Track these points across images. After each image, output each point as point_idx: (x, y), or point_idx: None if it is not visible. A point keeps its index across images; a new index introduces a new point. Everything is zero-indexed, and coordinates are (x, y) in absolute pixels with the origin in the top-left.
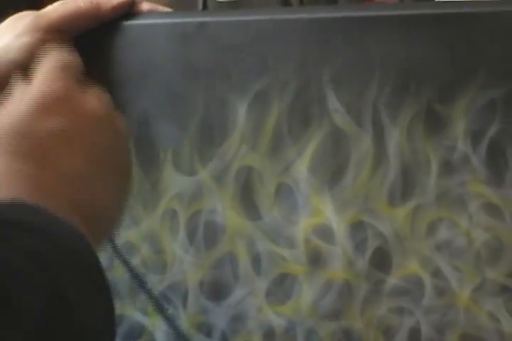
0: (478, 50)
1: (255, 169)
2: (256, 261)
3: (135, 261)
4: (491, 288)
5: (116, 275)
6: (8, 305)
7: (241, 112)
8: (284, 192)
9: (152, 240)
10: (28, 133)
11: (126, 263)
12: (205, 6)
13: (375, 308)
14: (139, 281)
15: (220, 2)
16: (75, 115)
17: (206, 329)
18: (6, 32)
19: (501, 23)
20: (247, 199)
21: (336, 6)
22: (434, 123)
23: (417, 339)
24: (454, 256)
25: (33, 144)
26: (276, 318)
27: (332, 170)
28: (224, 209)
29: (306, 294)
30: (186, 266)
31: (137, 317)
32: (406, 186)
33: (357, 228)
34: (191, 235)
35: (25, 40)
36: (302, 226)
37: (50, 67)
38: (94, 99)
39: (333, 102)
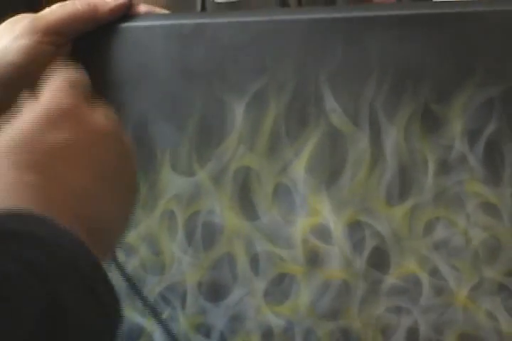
0: (476, 50)
1: (253, 169)
2: (254, 261)
3: (133, 262)
4: (488, 286)
5: (115, 276)
6: (5, 316)
7: (239, 112)
8: (282, 193)
9: (150, 241)
10: (35, 146)
11: (120, 269)
12: (203, 8)
13: (373, 308)
14: (133, 288)
15: (219, 3)
16: (82, 130)
17: (205, 329)
18: (4, 34)
19: (498, 23)
20: (245, 199)
21: (333, 7)
22: (431, 122)
23: (415, 339)
24: (451, 255)
25: (39, 157)
26: (274, 318)
27: (329, 170)
28: (222, 210)
29: (304, 294)
30: (185, 266)
31: (136, 318)
32: (403, 185)
33: (354, 228)
34: (189, 236)
35: (24, 42)
36: (300, 226)
37: (58, 84)
38: (101, 116)
39: (331, 102)
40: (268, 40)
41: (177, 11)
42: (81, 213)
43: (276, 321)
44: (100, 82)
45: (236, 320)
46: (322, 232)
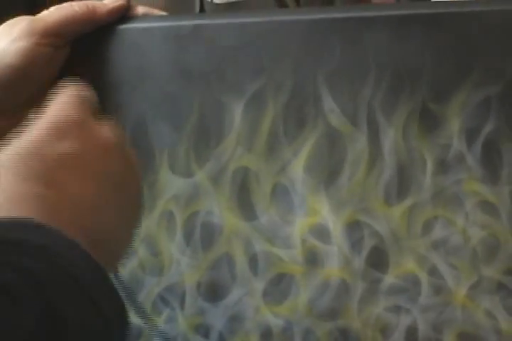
0: (473, 49)
1: (251, 170)
2: (253, 261)
3: (132, 263)
4: (487, 285)
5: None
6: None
7: (237, 113)
8: (281, 193)
9: (149, 242)
10: (42, 157)
11: (116, 277)
12: (202, 9)
13: (372, 307)
14: (129, 296)
15: (217, 4)
16: (89, 143)
17: (204, 330)
18: (2, 36)
19: (496, 22)
20: (243, 199)
21: (331, 7)
22: (429, 121)
23: (415, 338)
24: (450, 254)
25: (46, 168)
26: (273, 318)
27: (328, 169)
28: (221, 210)
29: (303, 294)
30: (183, 267)
31: (135, 319)
32: (402, 185)
33: (353, 227)
34: (188, 236)
35: (22, 44)
36: (298, 226)
37: (66, 98)
38: (107, 130)
39: (329, 102)
40: (266, 40)
41: (176, 12)
42: (85, 224)
43: (275, 321)
44: (99, 84)
45: (235, 320)
46: (321, 232)
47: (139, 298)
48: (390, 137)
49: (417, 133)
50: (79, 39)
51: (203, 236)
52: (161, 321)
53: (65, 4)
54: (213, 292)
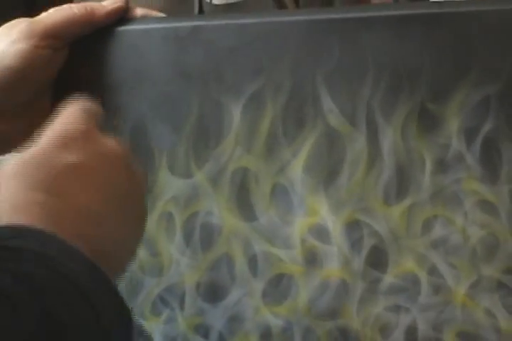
0: (471, 49)
1: (251, 170)
2: (252, 261)
3: (132, 264)
4: (487, 284)
5: None
6: None
7: (236, 114)
8: (280, 193)
9: (148, 243)
10: (46, 165)
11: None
12: (201, 10)
13: (372, 307)
14: None
15: (216, 5)
16: (93, 153)
17: (203, 330)
18: (1, 38)
19: (494, 22)
20: (242, 200)
21: (329, 8)
22: (428, 121)
23: (414, 337)
24: (449, 253)
25: (51, 178)
26: (273, 319)
27: (327, 170)
28: (220, 211)
29: (303, 294)
30: (183, 268)
31: (134, 320)
32: (401, 185)
33: (353, 227)
34: (188, 237)
35: (21, 46)
36: (298, 227)
37: (73, 111)
38: (113, 143)
39: (328, 102)
40: (264, 41)
41: (175, 13)
42: (88, 233)
43: (274, 321)
44: (98, 85)
45: (234, 320)
46: (320, 232)
47: (139, 299)
48: (389, 137)
49: (416, 133)
50: (78, 41)
51: (203, 236)
52: (160, 321)
53: (63, 6)
54: (213, 292)
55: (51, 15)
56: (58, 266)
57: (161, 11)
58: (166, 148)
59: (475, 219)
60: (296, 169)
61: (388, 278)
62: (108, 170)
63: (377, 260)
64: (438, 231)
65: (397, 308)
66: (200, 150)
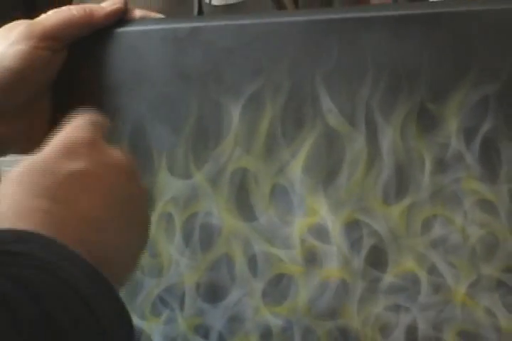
0: (470, 48)
1: (250, 171)
2: (252, 262)
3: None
4: (487, 283)
5: None
6: None
7: (235, 114)
8: (279, 193)
9: (148, 243)
10: (50, 172)
11: None
12: (200, 11)
13: (372, 306)
14: None
15: (216, 6)
16: (98, 162)
17: (203, 331)
18: (0, 40)
19: (492, 21)
20: (242, 200)
21: (328, 8)
22: (428, 121)
23: (414, 337)
24: (449, 252)
25: (55, 184)
26: (273, 319)
27: (326, 170)
28: (219, 211)
29: (303, 294)
30: (183, 268)
31: (135, 320)
32: (400, 184)
33: (352, 227)
34: (187, 238)
35: (20, 47)
36: (297, 227)
37: (79, 121)
38: (117, 153)
39: (327, 103)
40: (263, 41)
41: (174, 14)
42: (90, 240)
43: (274, 321)
44: (97, 86)
45: (234, 320)
46: (320, 232)
47: (139, 299)
48: (388, 137)
49: (415, 133)
50: (77, 42)
51: (202, 237)
52: (160, 322)
53: (63, 8)
54: (213, 293)
55: (50, 17)
56: (59, 271)
57: (159, 12)
58: (166, 148)
59: (474, 218)
60: (296, 169)
61: (388, 278)
62: (112, 178)
63: (377, 259)
64: (437, 230)
65: (397, 308)
66: (199, 151)
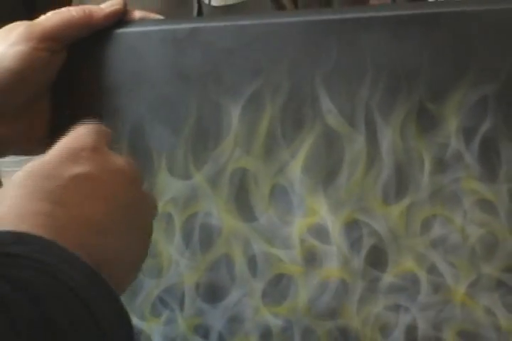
0: (469, 48)
1: (249, 171)
2: (252, 262)
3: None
4: (486, 283)
5: None
6: None
7: (234, 115)
8: (279, 193)
9: None
10: (53, 176)
11: None
12: (200, 12)
13: (372, 306)
14: None
15: (215, 7)
16: (101, 166)
17: (203, 331)
18: (0, 41)
19: (491, 21)
20: (242, 201)
21: (327, 9)
22: (427, 121)
23: (414, 337)
24: (449, 252)
25: (57, 188)
26: (272, 319)
27: (326, 170)
28: (219, 212)
29: (303, 294)
30: (182, 268)
31: (134, 321)
32: (400, 184)
33: (352, 227)
34: (187, 238)
35: (20, 48)
36: (297, 227)
37: (83, 129)
38: (122, 160)
39: (326, 103)
40: (263, 42)
41: (174, 15)
42: (91, 244)
43: (274, 321)
44: (96, 87)
45: (234, 321)
46: (320, 232)
47: (138, 300)
48: (387, 137)
49: (414, 133)
50: (76, 43)
51: (202, 237)
52: (160, 322)
53: (62, 9)
54: (212, 293)
55: (50, 18)
56: (58, 273)
57: (159, 14)
58: (165, 149)
59: (474, 218)
60: (295, 169)
61: (388, 278)
62: (115, 183)
63: (377, 259)
64: (437, 230)
65: (396, 307)
66: (199, 152)
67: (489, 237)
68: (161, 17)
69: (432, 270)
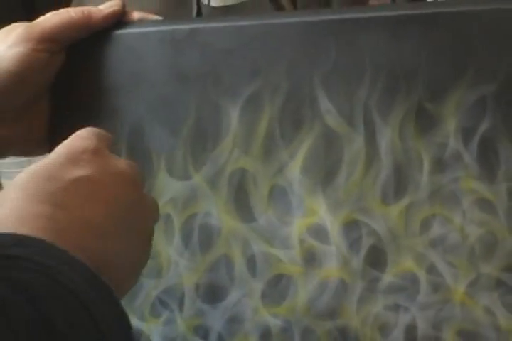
0: (468, 48)
1: (249, 172)
2: (251, 262)
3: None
4: (486, 282)
5: None
6: None
7: (233, 116)
8: (278, 194)
9: None
10: (54, 179)
11: None
12: (199, 12)
13: (371, 306)
14: None
15: (214, 8)
16: (102, 169)
17: (203, 331)
18: None
19: (490, 21)
20: (241, 201)
21: (325, 9)
22: (426, 121)
23: (414, 336)
24: (448, 252)
25: (58, 191)
26: (272, 319)
27: (325, 170)
28: (218, 212)
29: (302, 294)
30: (182, 269)
31: (134, 322)
32: (399, 184)
33: (351, 227)
34: (186, 239)
35: (18, 50)
36: (296, 227)
37: (84, 133)
38: (123, 163)
39: (325, 103)
40: (261, 43)
41: (173, 16)
42: (91, 246)
43: (274, 322)
44: (95, 88)
45: (234, 321)
46: (319, 232)
47: (138, 301)
48: (386, 137)
49: (413, 133)
50: (75, 44)
51: (201, 238)
52: (160, 323)
53: (61, 10)
54: (212, 293)
55: (48, 19)
56: (58, 275)
57: (158, 14)
58: (164, 150)
59: (473, 217)
60: (294, 170)
61: (387, 278)
62: (116, 186)
63: (376, 259)
64: (436, 230)
65: (396, 307)
66: (198, 153)
67: (488, 237)
68: (159, 18)
69: (432, 269)
